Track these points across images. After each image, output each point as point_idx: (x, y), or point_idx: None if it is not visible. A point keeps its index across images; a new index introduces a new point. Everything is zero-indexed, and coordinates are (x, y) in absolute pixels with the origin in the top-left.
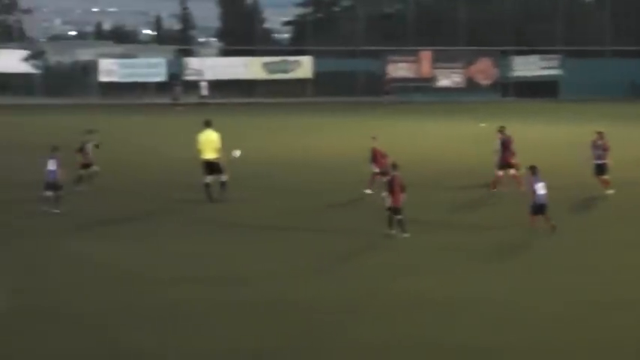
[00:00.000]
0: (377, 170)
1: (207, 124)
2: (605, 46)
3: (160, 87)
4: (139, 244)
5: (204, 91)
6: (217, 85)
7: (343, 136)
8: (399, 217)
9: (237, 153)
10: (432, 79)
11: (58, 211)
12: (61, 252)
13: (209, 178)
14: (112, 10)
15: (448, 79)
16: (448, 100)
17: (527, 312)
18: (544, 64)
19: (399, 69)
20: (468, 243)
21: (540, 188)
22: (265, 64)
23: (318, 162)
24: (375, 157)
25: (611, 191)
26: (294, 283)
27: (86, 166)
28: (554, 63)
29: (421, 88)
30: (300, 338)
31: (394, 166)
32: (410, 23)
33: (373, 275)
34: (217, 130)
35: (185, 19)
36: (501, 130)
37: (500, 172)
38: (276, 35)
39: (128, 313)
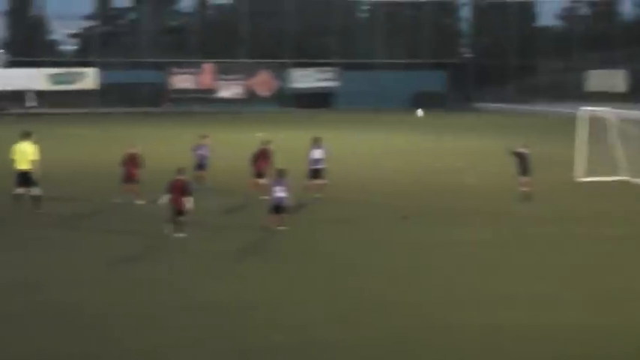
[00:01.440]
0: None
1: (25, 136)
2: (378, 59)
3: None
4: None
5: (32, 102)
6: (4, 97)
7: (125, 145)
8: (181, 218)
9: None
10: (213, 90)
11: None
12: None
13: (20, 190)
14: None
15: (229, 90)
16: (229, 110)
17: (315, 311)
18: (321, 76)
19: (182, 80)
20: (249, 246)
21: (278, 191)
22: (50, 76)
23: (99, 170)
24: (132, 162)
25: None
26: (85, 290)
27: None
28: (331, 75)
29: (202, 99)
30: (93, 345)
31: (180, 171)
32: (193, 36)
33: (157, 280)
34: (10, 139)
35: None
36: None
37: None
38: (62, 47)
39: None
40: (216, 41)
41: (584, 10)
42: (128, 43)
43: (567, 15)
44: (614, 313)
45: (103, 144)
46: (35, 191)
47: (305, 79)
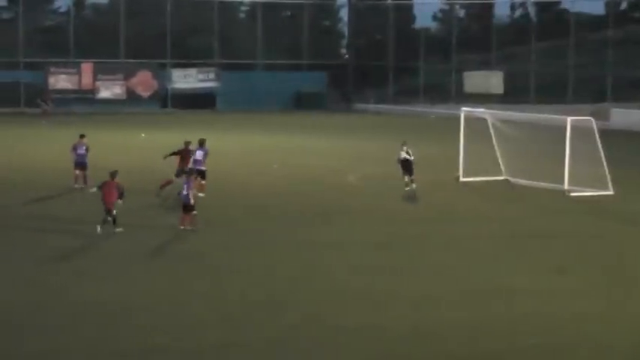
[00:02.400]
0: None
1: None
2: (258, 60)
3: None
4: None
5: None
6: None
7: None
8: (113, 215)
9: None
10: (93, 90)
11: None
12: None
13: None
14: None
15: (109, 90)
16: (109, 111)
17: (184, 316)
18: (201, 76)
19: (61, 80)
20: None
21: (185, 189)
22: None
23: None
24: None
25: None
26: None
27: None
28: (211, 76)
29: (82, 100)
30: None
31: (112, 174)
32: (71, 36)
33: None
34: None
35: None
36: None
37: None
38: None
39: None
40: (94, 41)
41: (460, 11)
42: (3, 43)
43: (444, 17)
44: (491, 309)
45: None
46: None
47: (186, 79)
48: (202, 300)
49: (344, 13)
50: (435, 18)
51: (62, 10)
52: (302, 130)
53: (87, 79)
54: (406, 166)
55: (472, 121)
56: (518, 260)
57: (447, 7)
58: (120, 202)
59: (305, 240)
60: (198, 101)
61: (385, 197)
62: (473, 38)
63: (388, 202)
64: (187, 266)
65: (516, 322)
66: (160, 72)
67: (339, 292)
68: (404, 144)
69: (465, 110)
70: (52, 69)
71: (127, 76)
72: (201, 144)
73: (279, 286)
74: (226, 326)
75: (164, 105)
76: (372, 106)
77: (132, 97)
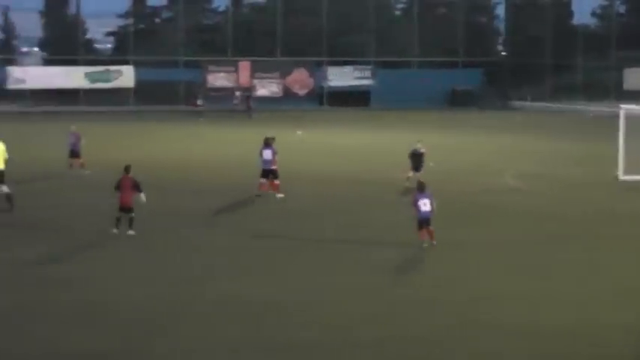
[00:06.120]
0: None
1: None
2: (413, 57)
3: None
4: None
5: (236, 101)
6: (40, 94)
7: (164, 143)
8: (130, 215)
9: None
10: (250, 88)
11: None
12: None
13: None
14: None
15: (266, 88)
16: (266, 108)
17: (336, 312)
18: (357, 74)
19: (219, 79)
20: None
21: (423, 204)
22: (87, 74)
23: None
24: None
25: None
26: (117, 287)
27: None
28: (367, 73)
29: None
30: (127, 341)
31: (127, 168)
32: (228, 35)
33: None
34: (42, 135)
35: (7, 28)
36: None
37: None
38: (98, 45)
39: None
40: (251, 39)
41: (620, 7)
42: (163, 41)
43: (603, 12)
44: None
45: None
46: (5, 189)
47: (341, 77)
48: (350, 297)
49: (500, 10)
50: (593, 14)
51: (220, 9)
52: (457, 128)
53: (244, 78)
54: (415, 160)
55: (632, 119)
56: None
57: (606, 3)
58: (142, 195)
59: (460, 239)
60: (352, 99)
61: (542, 196)
62: (633, 34)
63: (545, 201)
64: (333, 263)
65: None
66: (316, 70)
67: (494, 292)
68: (419, 142)
69: (624, 108)
70: (211, 67)
71: (284, 74)
72: (268, 143)
73: (431, 285)
74: (376, 323)
75: (320, 103)
76: (528, 104)
77: (288, 94)
